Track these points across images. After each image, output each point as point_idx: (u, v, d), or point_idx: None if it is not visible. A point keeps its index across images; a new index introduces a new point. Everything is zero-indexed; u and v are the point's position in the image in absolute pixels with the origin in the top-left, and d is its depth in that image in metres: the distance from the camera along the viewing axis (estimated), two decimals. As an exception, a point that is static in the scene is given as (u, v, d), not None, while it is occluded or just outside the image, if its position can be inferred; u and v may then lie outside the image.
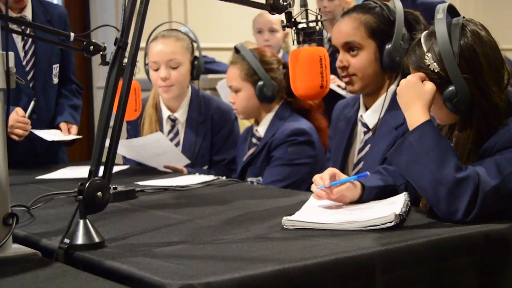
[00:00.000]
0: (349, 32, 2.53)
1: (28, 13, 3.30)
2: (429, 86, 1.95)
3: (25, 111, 3.15)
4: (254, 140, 3.15)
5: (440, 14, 1.98)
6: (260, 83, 3.05)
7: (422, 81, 1.97)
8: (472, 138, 1.97)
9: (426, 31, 2.04)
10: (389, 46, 2.47)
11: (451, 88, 1.93)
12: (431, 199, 1.88)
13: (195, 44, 3.35)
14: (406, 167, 1.92)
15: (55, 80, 3.41)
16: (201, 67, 3.32)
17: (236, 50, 3.16)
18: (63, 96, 3.45)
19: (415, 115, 1.94)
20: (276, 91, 3.06)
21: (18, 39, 3.28)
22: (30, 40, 3.28)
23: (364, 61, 2.51)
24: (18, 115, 3.08)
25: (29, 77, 3.31)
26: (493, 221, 1.82)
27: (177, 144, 3.28)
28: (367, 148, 2.54)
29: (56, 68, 3.40)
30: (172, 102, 3.29)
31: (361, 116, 2.58)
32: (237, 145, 3.33)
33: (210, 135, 3.29)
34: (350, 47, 2.53)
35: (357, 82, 2.54)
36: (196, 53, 3.33)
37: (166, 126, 3.31)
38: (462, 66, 1.92)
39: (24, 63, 3.28)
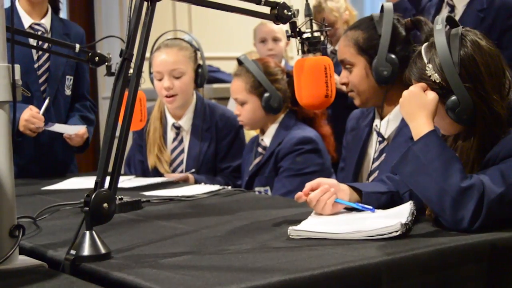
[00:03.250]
0: (342, 50, 2.58)
1: (47, 23, 3.33)
2: (432, 95, 1.96)
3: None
4: (260, 150, 3.15)
5: (439, 25, 1.99)
6: (266, 95, 3.04)
7: (424, 91, 1.97)
8: (475, 147, 1.97)
9: (426, 43, 2.05)
10: (375, 61, 2.48)
11: (453, 97, 1.94)
12: (436, 208, 1.87)
13: (198, 52, 3.35)
14: (411, 177, 1.92)
15: (68, 92, 3.42)
16: (205, 74, 3.32)
17: (240, 62, 3.15)
18: (76, 109, 3.46)
19: (419, 125, 1.94)
20: (282, 102, 3.06)
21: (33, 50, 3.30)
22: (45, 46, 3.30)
23: (357, 77, 2.55)
24: (32, 111, 3.09)
25: (41, 81, 3.32)
26: (499, 229, 1.81)
27: (181, 152, 3.28)
28: (382, 157, 2.54)
29: (69, 80, 3.41)
30: (177, 110, 3.30)
31: (376, 125, 2.59)
32: (242, 152, 3.32)
33: (214, 142, 3.29)
34: (345, 64, 2.58)
35: (357, 98, 2.58)
36: (200, 61, 3.33)
37: (171, 134, 3.31)
38: (463, 75, 1.93)
39: (36, 67, 3.30)
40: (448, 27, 2.04)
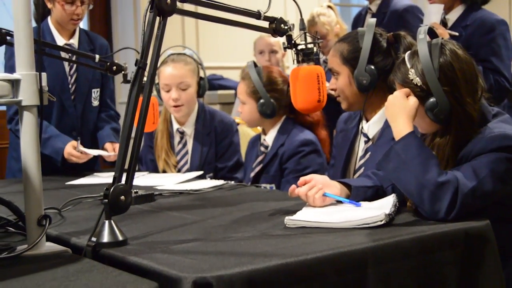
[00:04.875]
0: (330, 60, 2.60)
1: (75, 41, 3.32)
2: (413, 100, 1.98)
3: (72, 127, 3.28)
4: (262, 148, 3.15)
5: (422, 34, 2.01)
6: (261, 101, 3.04)
7: (407, 97, 1.98)
8: (451, 144, 1.98)
9: (410, 51, 2.06)
10: (356, 71, 2.48)
11: (432, 99, 1.96)
12: (416, 200, 1.88)
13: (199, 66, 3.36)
14: (393, 173, 1.93)
15: (95, 103, 3.41)
16: (205, 86, 3.32)
17: (247, 68, 3.17)
18: (103, 120, 3.45)
19: (400, 126, 1.96)
20: (275, 109, 3.04)
21: (66, 64, 3.29)
22: (74, 66, 3.29)
23: (342, 84, 2.55)
24: (72, 149, 3.11)
25: (72, 98, 3.32)
26: (472, 219, 1.82)
27: (185, 154, 3.29)
28: (367, 156, 2.55)
29: (96, 92, 3.40)
30: (181, 117, 3.30)
31: (362, 127, 2.60)
32: (237, 153, 3.34)
33: (214, 144, 3.29)
34: (333, 73, 2.59)
35: (343, 102, 2.59)
36: (201, 74, 3.33)
37: (176, 138, 3.32)
38: (442, 79, 1.95)
39: (70, 86, 3.30)
40: (428, 37, 2.05)
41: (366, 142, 2.57)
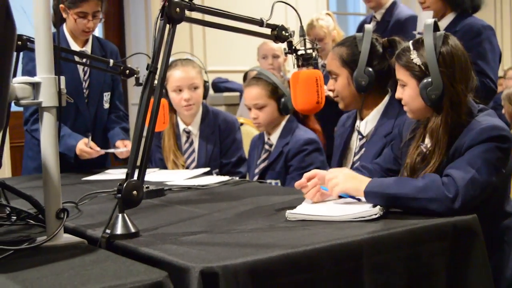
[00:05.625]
0: (329, 63, 2.62)
1: (88, 48, 3.32)
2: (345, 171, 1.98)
3: (86, 128, 3.28)
4: (266, 147, 3.15)
5: (429, 23, 2.04)
6: (283, 99, 3.06)
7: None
8: (443, 126, 1.98)
9: (415, 38, 2.10)
10: (355, 73, 2.50)
11: (427, 79, 1.98)
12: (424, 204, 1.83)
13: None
14: (392, 203, 1.88)
15: (106, 106, 3.41)
16: (208, 89, 3.34)
17: (258, 74, 3.17)
18: (113, 121, 3.45)
19: (358, 183, 1.92)
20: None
21: (80, 70, 3.29)
22: (88, 71, 3.30)
23: (341, 85, 2.58)
24: (85, 145, 3.11)
25: (86, 101, 3.32)
26: (460, 213, 1.81)
27: (192, 152, 3.29)
28: (362, 152, 2.57)
29: (107, 96, 3.41)
30: (187, 117, 3.30)
31: (357, 125, 2.62)
32: (240, 149, 3.34)
33: (218, 142, 3.30)
34: (331, 75, 2.60)
35: (341, 102, 2.62)
36: (205, 77, 3.34)
37: (183, 138, 3.32)
38: (440, 61, 1.98)
39: (84, 90, 3.31)
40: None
41: (360, 139, 2.59)
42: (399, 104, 2.19)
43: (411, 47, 2.05)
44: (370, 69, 2.48)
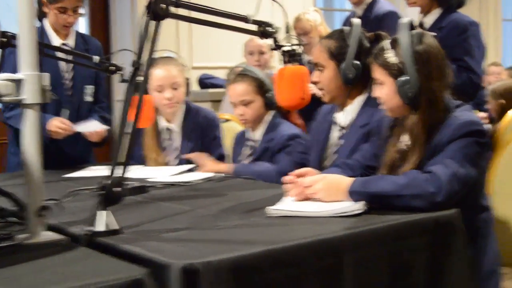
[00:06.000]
0: (317, 55, 2.60)
1: (71, 41, 3.32)
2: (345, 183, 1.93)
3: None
4: (251, 143, 3.15)
5: (405, 22, 2.05)
6: (269, 94, 3.05)
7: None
8: (421, 124, 2.00)
9: (392, 37, 2.12)
10: (343, 65, 2.50)
11: (404, 78, 1.99)
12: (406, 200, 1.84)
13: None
14: (379, 200, 1.88)
15: (89, 99, 3.41)
16: (189, 86, 3.34)
17: (244, 70, 3.17)
18: (95, 111, 3.45)
19: (340, 194, 1.91)
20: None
21: (63, 64, 3.29)
22: (72, 64, 3.30)
23: (327, 78, 2.56)
24: (60, 121, 3.11)
25: (70, 94, 3.32)
26: (442, 208, 1.82)
27: (174, 150, 3.28)
28: (340, 142, 2.57)
29: (90, 89, 3.41)
30: (169, 115, 3.29)
31: (334, 117, 2.62)
32: (220, 146, 3.33)
33: (200, 139, 3.29)
34: (318, 67, 2.59)
35: (326, 95, 2.60)
36: (186, 75, 3.34)
37: (164, 135, 3.31)
38: (416, 59, 2.00)
39: (66, 82, 3.30)
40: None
41: (340, 130, 2.59)
42: None
43: (388, 46, 2.07)
44: (358, 62, 2.49)
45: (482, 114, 4.93)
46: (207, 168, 2.98)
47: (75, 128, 3.15)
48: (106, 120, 3.44)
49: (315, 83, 2.61)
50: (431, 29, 3.26)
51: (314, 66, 2.64)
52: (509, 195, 2.48)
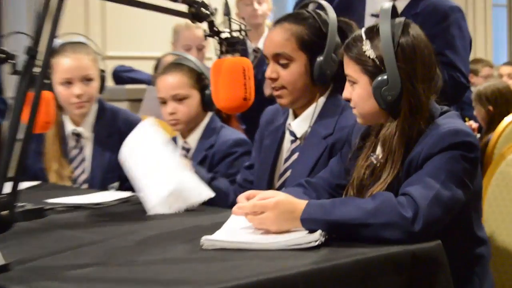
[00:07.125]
0: (280, 43, 2.53)
1: None
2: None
3: None
4: (183, 152, 3.11)
5: (386, 8, 2.06)
6: (208, 90, 3.02)
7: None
8: (398, 135, 2.00)
9: (369, 26, 2.11)
10: (320, 59, 2.48)
11: (383, 77, 1.99)
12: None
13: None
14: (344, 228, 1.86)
15: None
16: (105, 80, 3.30)
17: (180, 59, 3.14)
18: None
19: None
20: None
21: None
22: None
23: (295, 74, 2.51)
24: None
25: None
26: (421, 239, 1.82)
27: (82, 160, 3.23)
28: (294, 157, 2.56)
29: None
30: (77, 116, 3.24)
31: (289, 124, 2.60)
32: None
33: (118, 149, 3.24)
34: (280, 59, 2.53)
35: (287, 96, 2.54)
36: (102, 66, 3.29)
37: (71, 142, 3.25)
38: (398, 55, 2.00)
39: None
40: None
41: (292, 142, 2.58)
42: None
43: (364, 36, 2.06)
44: (335, 56, 2.47)
45: (473, 124, 5.01)
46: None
47: None
48: None
49: (273, 80, 2.57)
50: (403, 15, 3.26)
51: (267, 57, 2.58)
52: (502, 222, 2.47)
